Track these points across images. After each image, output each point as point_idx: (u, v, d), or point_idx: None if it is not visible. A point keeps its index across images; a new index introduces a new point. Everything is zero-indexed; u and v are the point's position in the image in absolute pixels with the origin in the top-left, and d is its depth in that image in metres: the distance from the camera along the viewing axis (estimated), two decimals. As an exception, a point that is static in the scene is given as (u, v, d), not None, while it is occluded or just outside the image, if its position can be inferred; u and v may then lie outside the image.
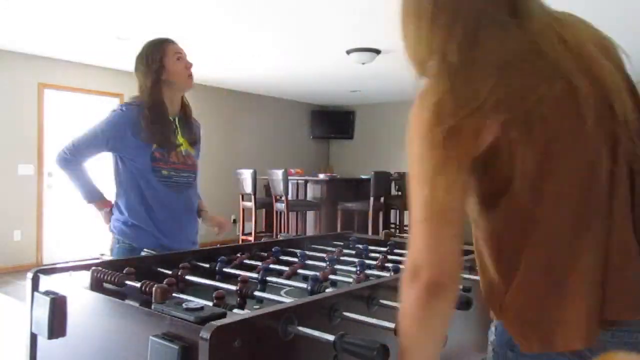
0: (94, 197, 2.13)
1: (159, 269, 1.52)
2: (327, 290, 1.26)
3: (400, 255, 1.87)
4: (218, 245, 1.97)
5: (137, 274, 1.30)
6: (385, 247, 1.97)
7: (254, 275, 1.43)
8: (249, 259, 1.73)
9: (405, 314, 0.87)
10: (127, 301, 1.11)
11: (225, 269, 1.56)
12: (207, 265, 1.60)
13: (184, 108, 2.15)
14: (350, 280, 1.43)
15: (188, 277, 1.42)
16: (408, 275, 0.85)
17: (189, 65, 2.07)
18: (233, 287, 1.28)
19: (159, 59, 2.01)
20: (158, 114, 2.00)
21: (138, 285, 1.18)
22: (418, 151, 0.85)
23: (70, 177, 2.10)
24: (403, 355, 0.87)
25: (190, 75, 2.08)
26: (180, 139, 2.10)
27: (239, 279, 1.23)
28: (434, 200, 0.83)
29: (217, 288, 1.35)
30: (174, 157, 2.06)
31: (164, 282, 1.16)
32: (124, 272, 1.30)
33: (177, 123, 2.10)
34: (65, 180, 2.14)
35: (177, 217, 2.08)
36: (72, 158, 2.05)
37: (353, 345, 0.90)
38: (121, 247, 2.04)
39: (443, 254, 0.83)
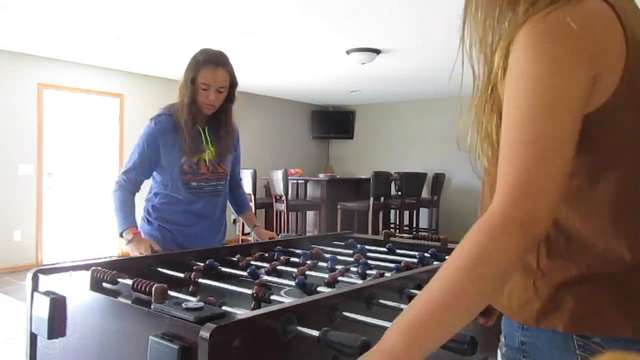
0: (129, 224, 2.04)
1: (165, 270, 1.52)
2: (318, 288, 1.27)
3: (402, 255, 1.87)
4: (218, 245, 1.98)
5: (142, 275, 1.30)
6: (385, 247, 1.97)
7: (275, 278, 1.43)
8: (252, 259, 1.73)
9: (478, 267, 0.72)
10: (125, 300, 1.11)
11: (226, 270, 1.56)
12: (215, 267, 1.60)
13: (218, 121, 2.17)
14: (351, 280, 1.43)
15: (201, 280, 1.42)
16: (511, 222, 0.72)
17: (211, 100, 2.06)
18: (241, 289, 1.28)
19: (192, 79, 2.03)
20: (183, 129, 2.05)
21: (130, 282, 1.18)
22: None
23: (115, 202, 2.08)
24: (434, 315, 0.73)
25: (208, 104, 2.07)
26: (210, 148, 2.15)
27: (256, 282, 1.22)
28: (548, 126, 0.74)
29: (227, 290, 1.35)
30: (204, 168, 2.12)
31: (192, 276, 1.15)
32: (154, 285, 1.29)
33: (207, 133, 2.15)
34: (109, 206, 2.13)
35: (203, 223, 2.15)
36: (125, 184, 2.09)
37: (335, 343, 0.90)
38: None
39: (558, 197, 0.74)
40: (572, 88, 0.75)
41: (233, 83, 2.15)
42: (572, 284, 0.83)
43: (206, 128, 2.15)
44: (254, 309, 1.14)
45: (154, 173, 2.16)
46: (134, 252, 1.93)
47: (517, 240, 0.72)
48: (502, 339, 0.96)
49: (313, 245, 1.98)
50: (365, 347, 0.85)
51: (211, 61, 2.05)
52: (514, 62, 0.80)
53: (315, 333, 0.96)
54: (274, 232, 2.40)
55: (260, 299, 1.17)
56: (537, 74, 0.76)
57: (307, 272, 1.51)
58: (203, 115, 2.11)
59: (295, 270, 1.51)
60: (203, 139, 2.13)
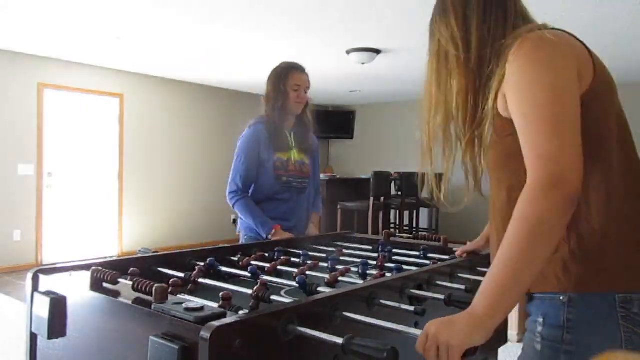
0: (269, 225, 2.33)
1: (165, 270, 1.52)
2: (319, 288, 1.26)
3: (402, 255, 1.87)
4: (219, 245, 1.98)
5: (142, 274, 1.30)
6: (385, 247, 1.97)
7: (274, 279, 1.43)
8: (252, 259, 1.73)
9: (532, 227, 0.88)
10: (125, 300, 1.11)
11: (224, 270, 1.56)
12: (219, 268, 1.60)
13: (301, 122, 2.49)
14: (351, 280, 1.43)
15: (201, 280, 1.42)
16: (545, 184, 0.88)
17: (302, 97, 2.41)
18: (241, 289, 1.28)
19: (283, 85, 2.37)
20: (276, 129, 2.39)
21: (130, 283, 1.18)
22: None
23: (244, 212, 2.38)
24: (506, 281, 0.88)
25: (299, 103, 2.41)
26: (294, 150, 2.46)
27: (258, 281, 1.22)
28: (565, 102, 0.93)
29: (223, 289, 1.35)
30: (292, 167, 2.43)
31: (170, 283, 1.16)
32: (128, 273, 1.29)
33: (291, 136, 2.46)
34: (238, 214, 2.43)
35: (292, 213, 2.43)
36: (242, 191, 2.39)
37: (362, 348, 0.89)
38: (249, 238, 2.40)
39: (579, 162, 0.89)
40: (566, 79, 0.95)
41: (309, 86, 2.47)
42: (606, 244, 0.96)
43: (291, 132, 2.47)
44: (253, 308, 1.14)
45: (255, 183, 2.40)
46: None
47: (553, 199, 0.87)
48: (540, 319, 1.00)
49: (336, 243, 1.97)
50: (394, 355, 0.85)
51: (297, 67, 2.44)
52: (512, 75, 0.98)
53: (319, 334, 0.96)
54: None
55: (260, 299, 1.17)
56: (537, 74, 0.95)
57: (307, 272, 1.51)
58: (291, 117, 2.44)
59: (295, 270, 1.51)
60: (290, 140, 2.45)
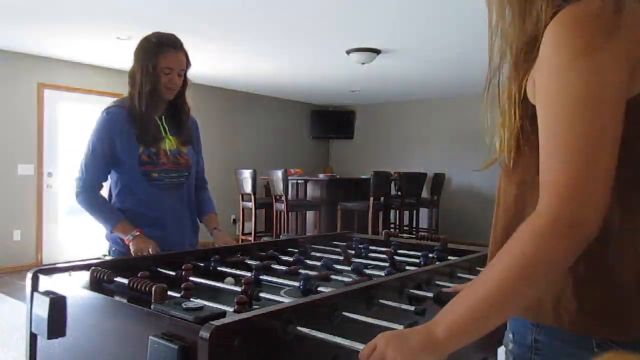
0: (116, 219, 1.95)
1: (160, 269, 1.52)
2: (319, 288, 1.26)
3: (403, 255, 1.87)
4: (217, 245, 1.97)
5: (135, 274, 1.30)
6: (386, 247, 1.97)
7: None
8: (250, 259, 1.73)
9: (526, 268, 0.72)
10: (125, 300, 1.11)
11: (220, 268, 1.56)
12: (203, 264, 1.60)
13: (175, 107, 2.06)
14: (350, 280, 1.43)
15: (192, 279, 1.41)
16: (560, 224, 0.70)
17: (175, 83, 1.97)
18: (232, 287, 1.28)
19: (152, 66, 1.93)
20: (141, 117, 1.95)
21: (126, 282, 1.18)
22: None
23: (90, 209, 2.00)
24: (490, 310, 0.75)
25: (171, 89, 1.98)
26: (169, 138, 2.03)
27: (242, 280, 1.22)
28: (601, 130, 0.71)
29: (218, 288, 1.35)
30: (164, 158, 2.00)
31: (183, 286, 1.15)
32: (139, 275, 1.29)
33: (164, 122, 2.04)
34: (84, 212, 2.04)
35: (168, 218, 2.01)
36: (83, 190, 2.00)
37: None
38: (115, 251, 2.04)
39: (608, 195, 0.71)
40: (608, 77, 0.71)
41: (188, 66, 2.03)
42: (596, 285, 0.80)
43: (163, 117, 2.04)
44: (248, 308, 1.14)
45: (112, 172, 2.02)
46: (137, 251, 1.85)
47: (566, 242, 0.71)
48: (510, 335, 0.94)
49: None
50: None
51: (171, 45, 1.95)
52: (544, 58, 0.77)
53: (318, 334, 0.96)
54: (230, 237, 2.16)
55: (249, 297, 1.17)
56: (571, 68, 0.73)
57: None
58: (162, 102, 2.01)
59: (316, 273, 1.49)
60: (161, 128, 2.02)
